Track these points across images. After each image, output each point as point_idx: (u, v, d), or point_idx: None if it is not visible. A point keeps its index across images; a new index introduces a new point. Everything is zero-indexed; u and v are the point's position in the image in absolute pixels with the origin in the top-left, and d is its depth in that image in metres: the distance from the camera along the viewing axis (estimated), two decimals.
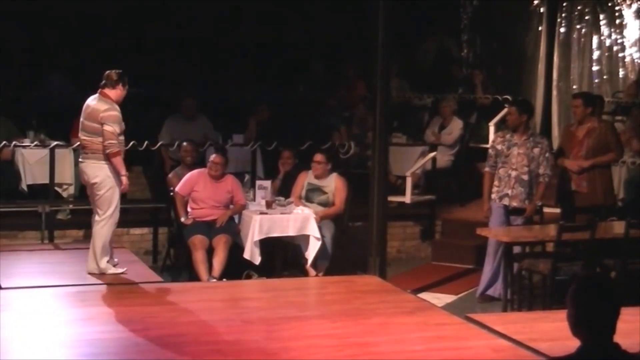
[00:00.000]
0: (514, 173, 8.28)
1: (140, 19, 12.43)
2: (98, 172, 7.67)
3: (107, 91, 7.69)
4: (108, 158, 7.60)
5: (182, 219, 8.83)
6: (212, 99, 11.69)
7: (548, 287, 7.60)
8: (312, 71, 13.07)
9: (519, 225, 8.25)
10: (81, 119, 7.84)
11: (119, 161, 7.59)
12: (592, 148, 8.64)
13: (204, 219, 8.82)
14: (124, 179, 7.62)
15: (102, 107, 7.64)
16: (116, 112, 7.64)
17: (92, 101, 7.75)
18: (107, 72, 7.73)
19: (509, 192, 8.29)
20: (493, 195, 8.37)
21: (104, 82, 7.71)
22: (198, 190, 8.88)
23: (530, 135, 8.36)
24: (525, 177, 8.26)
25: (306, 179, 9.33)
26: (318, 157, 9.30)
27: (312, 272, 8.80)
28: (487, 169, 8.51)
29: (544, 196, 8.51)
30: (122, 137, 7.74)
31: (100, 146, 7.62)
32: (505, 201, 8.31)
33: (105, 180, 7.64)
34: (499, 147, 8.39)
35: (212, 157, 8.97)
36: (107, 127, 7.58)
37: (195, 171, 9.06)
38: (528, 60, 13.25)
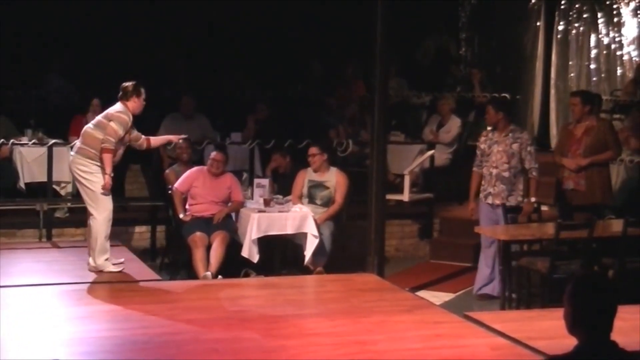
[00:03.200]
0: (494, 171, 8.33)
1: (139, 18, 12.43)
2: (85, 169, 7.74)
3: (125, 102, 7.82)
4: (98, 156, 7.66)
5: (181, 216, 8.83)
6: (210, 97, 11.71)
7: (546, 286, 7.60)
8: (310, 70, 13.07)
9: (516, 224, 8.25)
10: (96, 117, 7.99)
11: (107, 158, 7.64)
12: (590, 146, 8.64)
13: (203, 214, 8.82)
14: (107, 177, 7.65)
15: (117, 108, 7.80)
16: (127, 118, 7.77)
17: (113, 106, 7.87)
18: (123, 84, 7.85)
19: (491, 190, 8.34)
20: (480, 195, 8.42)
21: (120, 94, 7.82)
22: (197, 186, 8.89)
23: (510, 132, 8.38)
24: (506, 174, 8.29)
25: (306, 176, 9.34)
26: (312, 150, 9.32)
27: (311, 267, 8.82)
28: (474, 168, 8.57)
29: (542, 194, 8.51)
30: (121, 151, 7.85)
31: (95, 142, 7.66)
32: (489, 199, 8.35)
33: (91, 176, 7.72)
34: (482, 146, 8.48)
35: (213, 154, 9.00)
36: (112, 124, 7.70)
37: (194, 168, 9.07)
38: (526, 58, 13.27)
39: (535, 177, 8.30)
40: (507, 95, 12.02)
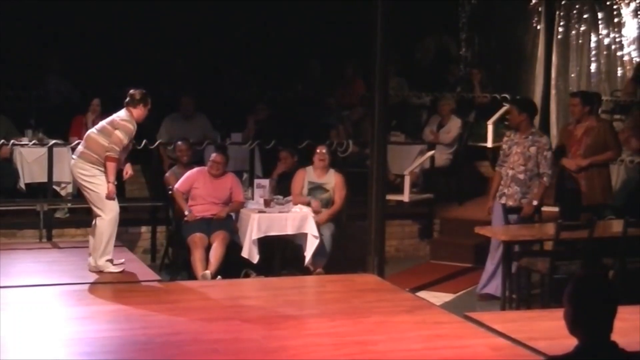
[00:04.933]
0: (511, 172, 8.31)
1: (139, 18, 12.43)
2: (88, 173, 7.74)
3: (131, 109, 7.83)
4: (100, 161, 7.68)
5: (186, 212, 8.80)
6: (210, 97, 11.70)
7: (546, 286, 7.61)
8: (310, 70, 13.06)
9: (516, 224, 8.24)
10: (101, 122, 8.00)
11: (111, 167, 7.66)
12: (590, 147, 8.64)
13: (203, 214, 8.82)
14: (110, 186, 7.67)
15: (123, 116, 7.81)
16: (132, 127, 7.79)
17: (118, 113, 7.88)
18: (131, 91, 7.86)
19: (506, 190, 8.33)
20: (497, 194, 8.40)
21: (127, 100, 7.83)
22: (198, 187, 8.89)
23: (530, 134, 8.37)
24: (521, 177, 8.27)
25: (305, 177, 9.33)
26: (322, 149, 9.31)
27: (311, 268, 8.82)
28: (496, 167, 8.58)
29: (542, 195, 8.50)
30: (123, 158, 7.88)
31: (98, 148, 7.67)
32: (503, 200, 8.34)
33: (94, 179, 7.73)
34: (504, 146, 8.48)
35: (213, 156, 9.00)
36: (118, 133, 7.72)
37: (195, 169, 9.08)
38: (526, 59, 13.25)
39: (544, 182, 8.26)
40: (507, 95, 12.00)
